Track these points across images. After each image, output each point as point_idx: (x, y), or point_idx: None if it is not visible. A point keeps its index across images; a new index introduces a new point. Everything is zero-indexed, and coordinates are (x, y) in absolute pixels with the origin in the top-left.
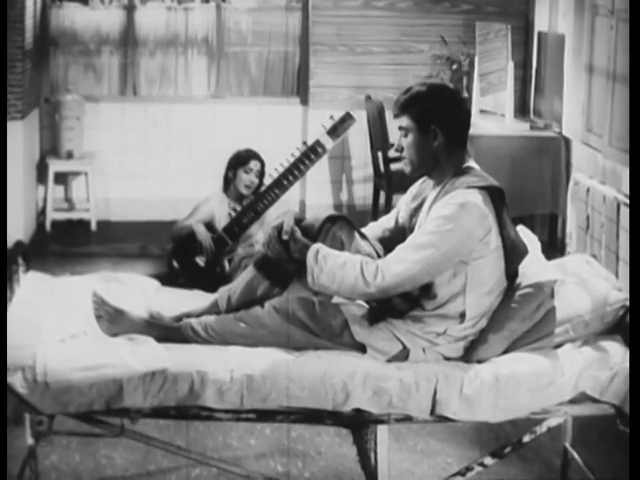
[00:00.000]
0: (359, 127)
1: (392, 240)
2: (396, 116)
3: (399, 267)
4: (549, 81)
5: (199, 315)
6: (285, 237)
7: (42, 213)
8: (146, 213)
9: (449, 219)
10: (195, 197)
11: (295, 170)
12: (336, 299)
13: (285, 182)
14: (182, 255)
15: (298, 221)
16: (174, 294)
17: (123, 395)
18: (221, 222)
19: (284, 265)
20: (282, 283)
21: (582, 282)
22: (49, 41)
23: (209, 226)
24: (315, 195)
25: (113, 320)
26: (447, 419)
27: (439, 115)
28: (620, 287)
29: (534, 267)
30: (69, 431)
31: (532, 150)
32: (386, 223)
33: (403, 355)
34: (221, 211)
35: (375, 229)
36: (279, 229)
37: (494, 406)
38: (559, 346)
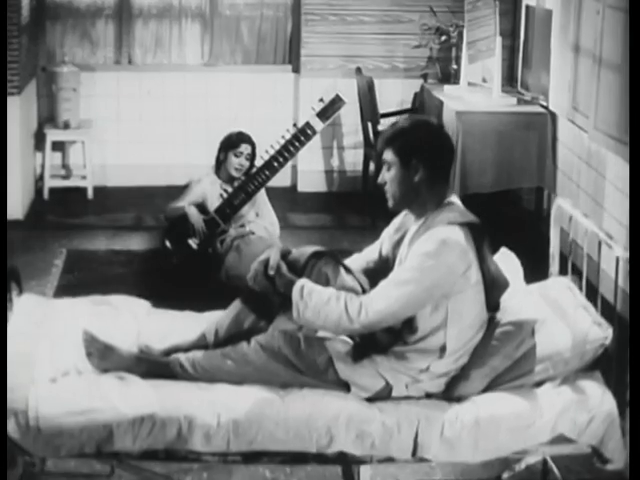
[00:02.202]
0: (350, 95)
1: (376, 271)
2: (380, 150)
3: (382, 304)
4: (536, 54)
5: (187, 349)
6: (271, 272)
7: (40, 179)
8: (141, 178)
9: (430, 255)
10: (189, 163)
11: (285, 152)
12: (321, 332)
13: (275, 164)
14: (175, 236)
15: (284, 255)
16: (164, 317)
17: (113, 439)
18: (213, 203)
19: (270, 299)
20: (268, 316)
21: (563, 314)
22: (45, 12)
23: (201, 207)
24: (307, 161)
25: (103, 357)
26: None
27: (421, 150)
28: (599, 322)
29: (515, 300)
30: (61, 472)
31: (519, 126)
32: (370, 255)
33: (386, 391)
34: (213, 192)
35: (359, 260)
36: (265, 264)
37: (474, 447)
38: (539, 384)
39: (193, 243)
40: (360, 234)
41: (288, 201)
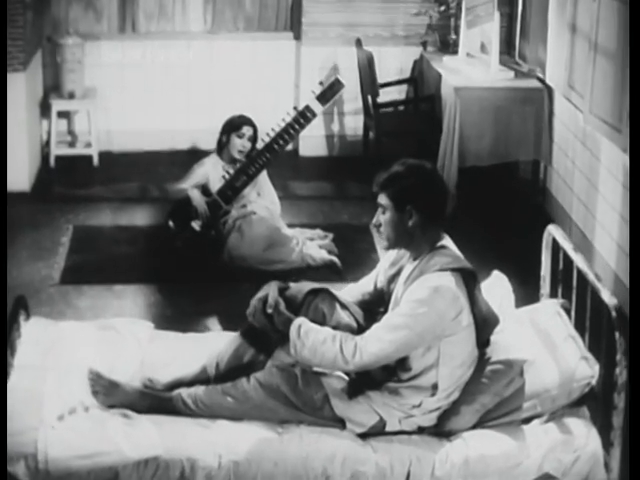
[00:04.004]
0: (350, 63)
1: (371, 303)
2: (376, 193)
3: (375, 347)
4: (534, 26)
5: (190, 383)
6: (269, 310)
7: (47, 145)
8: (146, 143)
9: (423, 303)
10: (192, 128)
11: (286, 135)
12: (317, 368)
13: (276, 146)
14: (178, 217)
15: (282, 290)
16: (167, 342)
17: None
18: (215, 185)
19: (269, 334)
20: (267, 351)
21: (551, 346)
22: None
23: (204, 188)
24: (309, 126)
25: (109, 393)
26: None
27: (415, 196)
28: (586, 356)
29: (506, 334)
30: None
31: (516, 101)
32: (365, 287)
33: (380, 426)
34: (215, 174)
35: (355, 292)
36: (264, 301)
37: None
38: (527, 419)
39: (196, 225)
40: (360, 205)
41: (290, 167)
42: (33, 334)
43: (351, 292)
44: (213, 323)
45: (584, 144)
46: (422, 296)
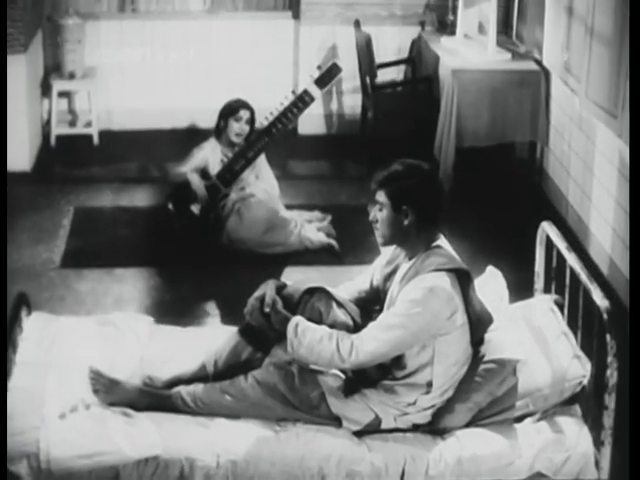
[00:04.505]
0: (348, 42)
1: (367, 300)
2: (374, 190)
3: (371, 346)
4: (531, 9)
5: (189, 380)
6: (267, 309)
7: (47, 124)
8: (146, 122)
9: (418, 303)
10: (191, 107)
11: (284, 119)
12: (314, 366)
13: (274, 130)
14: (178, 201)
15: (279, 289)
16: (166, 337)
17: None
18: (214, 168)
19: (266, 333)
20: (265, 348)
21: (544, 344)
22: None
23: (203, 172)
24: None
25: (109, 391)
26: None
27: (411, 196)
28: (579, 354)
29: (499, 333)
30: None
31: (513, 83)
32: (361, 284)
33: (376, 423)
34: (214, 158)
35: (351, 290)
36: (261, 300)
37: None
38: (519, 418)
39: (195, 209)
40: (357, 185)
41: (288, 145)
42: (35, 330)
43: (347, 290)
44: (212, 307)
45: (580, 127)
46: (417, 296)
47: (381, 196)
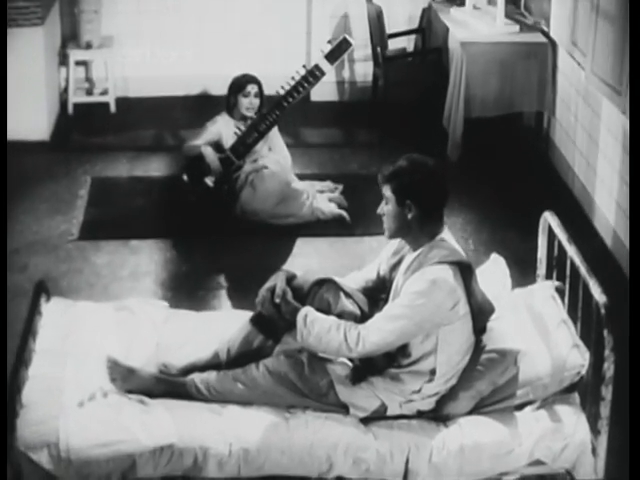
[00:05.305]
0: (360, 11)
1: (374, 290)
2: (381, 184)
3: (377, 336)
4: None
5: (202, 367)
6: (277, 300)
7: (65, 92)
8: (161, 89)
9: (421, 294)
10: (205, 74)
11: (295, 92)
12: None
13: (285, 104)
14: (192, 173)
15: (289, 280)
16: (181, 322)
17: (136, 468)
18: (228, 141)
19: (277, 322)
20: (275, 337)
21: (545, 332)
22: None
23: (217, 145)
24: None
25: (126, 379)
26: None
27: (415, 191)
28: (578, 343)
29: (501, 322)
30: None
31: (521, 55)
32: (369, 274)
33: (382, 410)
34: (227, 131)
35: (358, 279)
36: (272, 291)
37: (459, 472)
38: (519, 406)
39: (209, 181)
40: (368, 153)
41: (301, 112)
42: (53, 316)
43: (355, 279)
44: (225, 279)
45: (586, 100)
46: (421, 288)
47: (387, 190)
